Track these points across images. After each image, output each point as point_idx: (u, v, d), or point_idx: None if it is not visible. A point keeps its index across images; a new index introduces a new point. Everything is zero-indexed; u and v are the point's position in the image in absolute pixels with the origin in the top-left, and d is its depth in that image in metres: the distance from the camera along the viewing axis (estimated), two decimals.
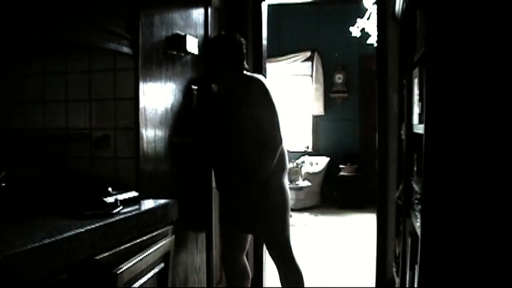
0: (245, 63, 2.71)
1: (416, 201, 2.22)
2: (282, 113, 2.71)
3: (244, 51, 2.71)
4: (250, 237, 2.98)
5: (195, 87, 2.61)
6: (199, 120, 2.73)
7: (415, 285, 2.11)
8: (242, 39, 2.73)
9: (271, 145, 2.59)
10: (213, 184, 3.02)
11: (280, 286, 2.84)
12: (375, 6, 3.62)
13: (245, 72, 2.73)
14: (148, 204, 1.79)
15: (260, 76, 2.72)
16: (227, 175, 2.76)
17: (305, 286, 2.82)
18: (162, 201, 1.86)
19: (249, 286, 2.97)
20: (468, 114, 1.77)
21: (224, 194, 2.83)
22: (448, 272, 1.80)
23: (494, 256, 1.75)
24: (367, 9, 5.07)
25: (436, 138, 1.80)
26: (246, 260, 2.96)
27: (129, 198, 1.76)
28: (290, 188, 2.98)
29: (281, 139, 2.63)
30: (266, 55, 3.76)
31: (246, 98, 2.60)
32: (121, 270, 1.41)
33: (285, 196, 2.70)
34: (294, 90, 8.45)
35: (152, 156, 2.10)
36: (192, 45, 2.48)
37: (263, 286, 3.67)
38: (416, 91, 2.25)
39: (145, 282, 1.62)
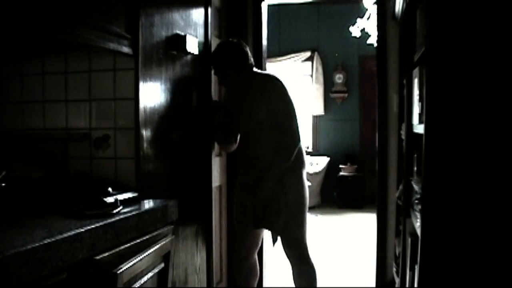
0: (251, 61, 2.69)
1: (416, 201, 2.22)
2: (300, 112, 2.73)
3: (247, 51, 2.69)
4: (263, 235, 2.96)
5: (195, 87, 2.61)
6: (199, 119, 2.73)
7: (415, 285, 2.11)
8: (241, 41, 2.71)
9: (289, 142, 2.62)
10: (214, 184, 3.02)
11: (280, 286, 2.84)
12: (375, 6, 3.62)
13: (255, 69, 2.74)
14: (148, 204, 1.79)
15: (277, 75, 2.73)
16: (244, 171, 2.78)
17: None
18: (162, 201, 1.86)
19: (255, 286, 2.95)
20: (468, 114, 1.77)
21: (241, 189, 2.82)
22: (448, 272, 1.80)
23: (494, 256, 1.75)
24: (367, 9, 5.07)
25: (436, 138, 1.80)
26: (256, 259, 2.95)
27: (129, 198, 1.76)
28: None
29: (299, 137, 2.65)
30: (266, 55, 3.76)
31: (264, 96, 2.61)
32: (121, 270, 1.41)
33: (303, 194, 2.70)
34: (294, 90, 8.45)
35: (152, 156, 2.10)
36: (192, 45, 2.48)
37: (263, 286, 3.66)
38: (416, 91, 2.25)
39: (145, 282, 1.62)
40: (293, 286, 2.85)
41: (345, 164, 7.69)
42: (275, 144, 2.63)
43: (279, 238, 2.74)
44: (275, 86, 2.64)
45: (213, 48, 2.85)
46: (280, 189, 2.62)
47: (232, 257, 3.25)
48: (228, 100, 2.86)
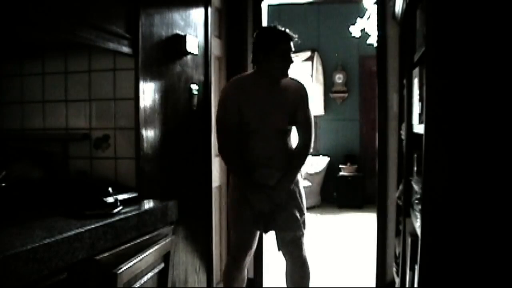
0: None
1: (416, 201, 2.22)
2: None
3: None
4: (257, 240, 2.89)
5: (195, 87, 2.61)
6: (199, 119, 2.73)
7: (415, 285, 2.11)
8: None
9: (308, 145, 2.70)
10: (214, 184, 3.02)
11: (279, 286, 2.82)
12: (375, 6, 3.62)
13: None
14: (148, 204, 1.80)
15: (302, 81, 2.77)
16: (256, 172, 2.65)
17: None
18: (162, 201, 1.86)
19: (244, 286, 2.91)
20: (468, 114, 1.77)
21: (249, 191, 2.66)
22: (448, 272, 1.80)
23: (494, 256, 1.75)
24: (367, 9, 5.08)
25: (436, 138, 1.80)
26: (247, 264, 2.88)
27: (129, 198, 1.76)
28: None
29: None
30: None
31: (292, 99, 2.64)
32: (121, 270, 1.41)
33: (302, 194, 2.75)
34: None
35: (152, 156, 2.10)
36: (192, 45, 2.49)
37: (263, 286, 3.67)
38: (416, 91, 2.25)
39: (145, 282, 1.62)
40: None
41: (345, 164, 7.68)
42: (286, 146, 2.68)
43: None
44: (303, 90, 2.70)
45: (210, 49, 2.84)
46: (291, 190, 2.65)
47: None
48: (247, 97, 2.63)
